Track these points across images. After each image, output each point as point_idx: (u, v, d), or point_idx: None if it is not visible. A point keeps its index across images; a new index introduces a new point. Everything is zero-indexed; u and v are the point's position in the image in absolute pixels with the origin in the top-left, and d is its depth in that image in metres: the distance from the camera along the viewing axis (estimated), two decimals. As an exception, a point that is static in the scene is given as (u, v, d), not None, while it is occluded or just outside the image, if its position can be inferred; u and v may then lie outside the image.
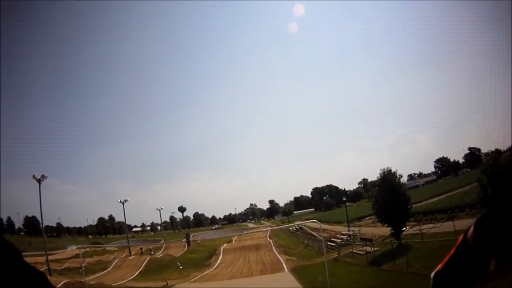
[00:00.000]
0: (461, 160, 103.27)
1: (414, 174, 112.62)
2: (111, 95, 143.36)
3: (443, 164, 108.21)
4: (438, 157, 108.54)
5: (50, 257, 74.46)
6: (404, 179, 62.31)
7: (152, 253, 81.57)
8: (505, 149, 68.02)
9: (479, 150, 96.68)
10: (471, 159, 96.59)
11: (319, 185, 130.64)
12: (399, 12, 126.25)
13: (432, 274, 1.91)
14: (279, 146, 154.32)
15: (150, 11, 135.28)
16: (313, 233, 71.41)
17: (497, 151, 67.52)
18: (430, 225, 57.38)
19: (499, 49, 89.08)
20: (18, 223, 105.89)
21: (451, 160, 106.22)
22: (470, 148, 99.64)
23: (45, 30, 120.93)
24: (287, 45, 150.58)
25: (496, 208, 1.63)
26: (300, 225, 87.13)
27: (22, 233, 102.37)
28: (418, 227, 56.61)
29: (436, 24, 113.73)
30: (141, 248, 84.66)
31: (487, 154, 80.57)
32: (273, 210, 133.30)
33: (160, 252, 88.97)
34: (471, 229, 1.68)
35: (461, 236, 1.78)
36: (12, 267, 1.65)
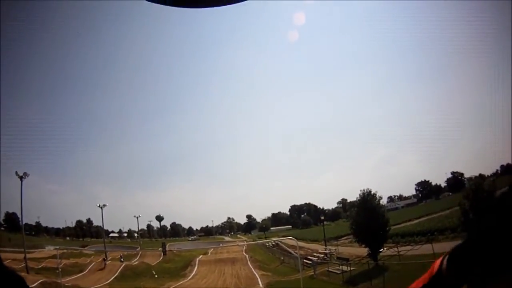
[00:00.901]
0: (443, 184, 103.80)
1: (394, 196, 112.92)
2: (98, 97, 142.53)
3: (424, 187, 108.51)
4: (419, 180, 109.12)
5: (28, 255, 73.43)
6: (383, 201, 62.63)
7: (122, 260, 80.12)
8: (489, 174, 68.31)
9: (462, 174, 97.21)
10: (454, 183, 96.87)
11: (298, 203, 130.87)
12: (389, 28, 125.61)
13: None
14: (260, 162, 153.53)
15: (147, 14, 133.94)
16: (290, 250, 71.19)
17: (481, 176, 67.84)
18: (408, 247, 57.32)
19: (490, 68, 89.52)
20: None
21: (433, 183, 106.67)
22: (453, 173, 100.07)
23: (38, 28, 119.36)
24: (275, 58, 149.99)
25: (469, 240, 1.61)
26: (276, 241, 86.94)
27: (2, 228, 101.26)
28: (396, 249, 56.56)
29: (428, 40, 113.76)
30: (121, 256, 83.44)
31: (470, 178, 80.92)
32: (251, 225, 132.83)
33: (136, 259, 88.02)
34: (445, 260, 1.66)
35: (434, 265, 1.74)
36: None
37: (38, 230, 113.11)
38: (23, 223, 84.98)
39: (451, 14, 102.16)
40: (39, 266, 72.99)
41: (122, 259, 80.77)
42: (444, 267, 1.61)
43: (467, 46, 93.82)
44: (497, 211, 1.40)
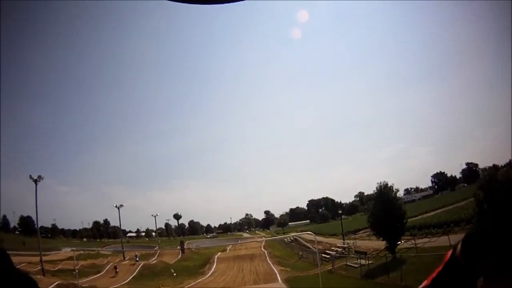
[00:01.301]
0: (458, 175, 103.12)
1: (411, 188, 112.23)
2: (109, 98, 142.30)
3: (440, 179, 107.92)
4: (435, 172, 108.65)
5: (44, 258, 73.91)
6: (400, 193, 62.16)
7: (137, 259, 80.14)
8: (502, 165, 67.99)
9: (476, 165, 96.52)
10: (469, 174, 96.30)
11: (315, 197, 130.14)
12: (401, 23, 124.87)
13: None
14: (276, 157, 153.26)
15: (152, 13, 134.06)
16: (308, 244, 71.38)
17: (495, 166, 67.56)
18: (425, 240, 57.29)
19: (499, 57, 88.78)
20: (14, 221, 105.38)
21: (448, 175, 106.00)
22: (467, 163, 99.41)
23: (43, 29, 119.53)
24: (287, 53, 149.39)
25: (484, 224, 1.67)
26: (295, 237, 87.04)
27: (17, 232, 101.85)
28: (413, 241, 56.63)
29: (433, 36, 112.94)
30: (136, 255, 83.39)
31: (484, 169, 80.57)
32: (269, 220, 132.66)
33: (154, 258, 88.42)
34: (460, 245, 1.71)
35: (449, 252, 1.79)
36: (3, 274, 1.61)
37: (54, 232, 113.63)
38: (39, 226, 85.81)
39: (458, 12, 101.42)
40: (56, 268, 73.63)
41: (137, 259, 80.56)
42: (459, 253, 1.72)
43: (476, 43, 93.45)
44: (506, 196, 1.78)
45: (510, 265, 1.58)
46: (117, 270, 71.93)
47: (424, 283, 1.88)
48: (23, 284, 1.69)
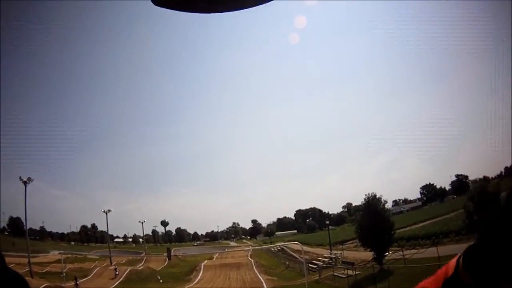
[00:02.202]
0: (447, 187, 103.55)
1: (399, 199, 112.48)
2: (102, 103, 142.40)
3: (429, 191, 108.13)
4: (424, 183, 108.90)
5: (32, 260, 74.03)
6: (388, 205, 62.44)
7: (117, 273, 77.71)
8: (493, 176, 68.18)
9: (466, 177, 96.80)
10: (458, 186, 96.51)
11: (303, 208, 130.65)
12: (386, 33, 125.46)
13: None
14: (265, 167, 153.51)
15: (154, 16, 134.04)
16: (295, 254, 71.09)
17: (485, 178, 67.70)
18: (414, 251, 57.35)
19: (492, 71, 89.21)
20: (3, 222, 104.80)
21: (438, 186, 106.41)
22: (457, 175, 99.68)
23: (43, 29, 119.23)
24: (281, 62, 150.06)
25: (484, 237, 1.53)
26: (282, 246, 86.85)
27: (6, 233, 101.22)
28: (401, 252, 56.63)
29: (427, 45, 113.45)
30: (115, 268, 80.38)
31: (474, 181, 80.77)
32: (256, 230, 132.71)
33: (141, 264, 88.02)
34: (460, 262, 1.55)
35: (447, 266, 1.62)
36: None
37: (42, 234, 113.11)
38: (27, 227, 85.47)
39: (449, 16, 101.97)
40: (43, 271, 73.36)
41: (117, 272, 76.19)
42: (461, 269, 1.53)
43: (469, 49, 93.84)
44: (505, 211, 1.37)
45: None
46: (78, 283, 70.84)
47: None
48: (15, 284, 1.68)
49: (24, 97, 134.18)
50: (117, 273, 72.47)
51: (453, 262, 1.57)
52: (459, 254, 1.54)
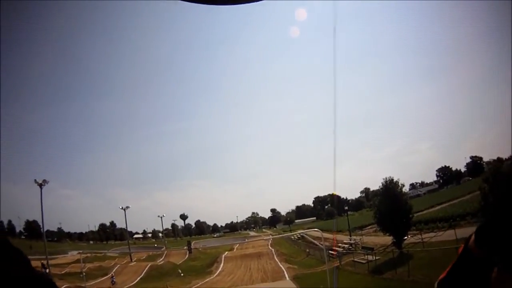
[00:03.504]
0: (463, 169, 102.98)
1: (416, 183, 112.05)
2: (112, 100, 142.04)
3: (445, 173, 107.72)
4: (440, 166, 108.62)
5: (51, 262, 73.90)
6: (406, 188, 62.17)
7: (114, 281, 75.61)
8: (507, 157, 67.85)
9: (481, 158, 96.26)
10: (473, 167, 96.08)
11: (321, 194, 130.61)
12: (401, 18, 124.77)
13: (436, 283, 1.92)
14: (281, 155, 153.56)
15: (152, 15, 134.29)
16: (315, 241, 71.22)
17: (499, 159, 67.42)
18: (432, 234, 57.20)
19: (500, 55, 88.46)
20: (19, 226, 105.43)
21: (453, 169, 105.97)
22: (472, 157, 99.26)
23: (45, 31, 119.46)
24: (288, 51, 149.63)
25: (497, 214, 1.64)
26: (301, 234, 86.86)
27: (23, 237, 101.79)
28: (419, 236, 56.56)
29: (436, 30, 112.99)
30: (113, 276, 76.95)
31: (488, 162, 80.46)
32: (275, 218, 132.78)
33: (161, 259, 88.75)
34: (473, 236, 1.68)
35: (463, 244, 1.77)
36: (21, 273, 1.64)
37: (60, 236, 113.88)
38: (45, 230, 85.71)
39: (463, 11, 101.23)
40: (63, 272, 74.04)
41: (114, 280, 71.86)
42: (472, 244, 1.68)
43: (478, 40, 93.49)
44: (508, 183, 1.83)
45: None
46: (115, 280, 70.70)
47: (441, 275, 1.90)
48: (42, 285, 1.73)
49: (33, 99, 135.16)
50: (114, 280, 71.80)
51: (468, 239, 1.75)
52: (473, 231, 1.70)
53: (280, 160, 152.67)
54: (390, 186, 54.97)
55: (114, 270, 78.12)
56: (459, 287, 1.80)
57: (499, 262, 1.61)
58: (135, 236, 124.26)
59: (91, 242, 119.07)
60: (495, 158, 73.40)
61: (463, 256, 1.74)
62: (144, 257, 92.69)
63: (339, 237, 79.42)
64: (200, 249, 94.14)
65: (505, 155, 71.71)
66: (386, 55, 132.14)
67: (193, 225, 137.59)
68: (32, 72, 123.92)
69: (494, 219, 1.63)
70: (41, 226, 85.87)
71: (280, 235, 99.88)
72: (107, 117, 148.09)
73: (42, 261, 68.83)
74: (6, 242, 1.57)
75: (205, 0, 2.08)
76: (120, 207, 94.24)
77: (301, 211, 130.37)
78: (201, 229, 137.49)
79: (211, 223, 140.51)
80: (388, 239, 57.06)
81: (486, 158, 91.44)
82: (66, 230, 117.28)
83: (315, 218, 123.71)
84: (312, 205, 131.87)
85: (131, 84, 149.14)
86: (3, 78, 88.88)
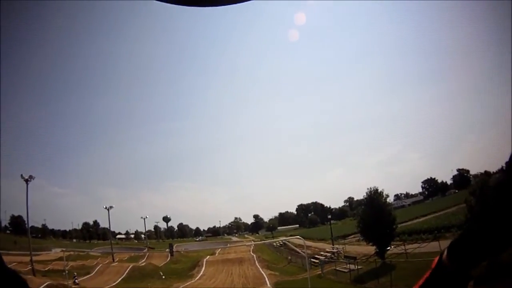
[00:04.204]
0: (449, 181, 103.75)
1: (401, 194, 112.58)
2: (102, 100, 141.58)
3: (430, 185, 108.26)
4: (426, 178, 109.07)
5: (34, 258, 73.76)
6: (390, 199, 62.69)
7: (76, 281, 73.07)
8: (494, 171, 68.18)
9: (468, 171, 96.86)
10: (460, 180, 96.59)
11: (305, 202, 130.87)
12: (391, 26, 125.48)
13: None
14: (266, 162, 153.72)
15: (149, 14, 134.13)
16: (297, 249, 71.20)
17: (486, 173, 67.76)
18: (416, 245, 57.42)
19: (492, 67, 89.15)
20: (5, 221, 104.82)
21: (439, 181, 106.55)
22: (458, 170, 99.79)
23: (39, 30, 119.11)
24: (281, 57, 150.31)
25: (470, 229, 1.70)
26: (284, 241, 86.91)
27: (8, 232, 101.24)
28: (403, 247, 56.74)
29: (425, 41, 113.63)
30: (74, 275, 75.20)
31: (476, 176, 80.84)
32: (258, 224, 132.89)
33: (143, 260, 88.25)
34: (446, 251, 1.71)
35: (437, 258, 1.77)
36: None
37: (44, 232, 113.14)
38: (29, 225, 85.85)
39: (452, 15, 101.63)
40: (46, 269, 73.41)
41: (76, 280, 67.35)
42: (445, 259, 1.69)
43: (469, 46, 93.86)
44: (494, 199, 1.52)
45: (501, 270, 1.64)
46: (77, 281, 69.35)
47: None
48: (14, 284, 1.66)
49: (24, 96, 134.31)
50: (76, 281, 70.27)
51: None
52: (445, 247, 1.69)
53: (265, 165, 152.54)
54: (375, 196, 55.39)
55: (96, 270, 77.57)
56: None
57: (474, 276, 1.65)
58: (118, 236, 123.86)
59: (75, 240, 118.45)
60: (482, 171, 73.84)
61: (436, 270, 1.75)
62: (126, 258, 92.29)
63: (322, 245, 79.60)
64: (182, 252, 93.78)
65: (492, 169, 72.07)
66: (375, 62, 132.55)
67: (176, 228, 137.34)
68: (24, 71, 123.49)
69: (468, 233, 1.69)
70: (26, 222, 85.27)
71: (262, 241, 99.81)
72: (97, 116, 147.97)
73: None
74: None
75: (196, 2, 2.05)
76: (104, 206, 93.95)
77: (284, 218, 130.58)
78: (184, 232, 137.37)
79: (193, 227, 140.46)
80: (371, 249, 57.24)
81: (473, 171, 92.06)
82: (50, 227, 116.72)
83: (298, 225, 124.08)
84: (296, 212, 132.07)
85: (122, 83, 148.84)
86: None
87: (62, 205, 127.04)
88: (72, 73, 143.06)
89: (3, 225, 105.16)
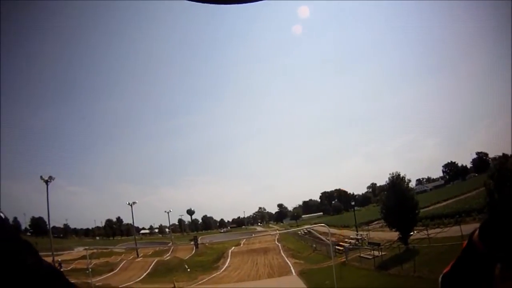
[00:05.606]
0: (469, 165, 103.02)
1: (423, 178, 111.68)
2: (116, 97, 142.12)
3: (451, 169, 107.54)
4: (446, 162, 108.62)
5: (57, 258, 74.08)
6: (412, 184, 62.43)
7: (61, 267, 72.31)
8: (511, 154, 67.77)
9: (486, 154, 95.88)
10: (479, 164, 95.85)
11: (328, 190, 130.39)
12: (401, 15, 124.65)
13: (440, 276, 2.00)
14: (288, 150, 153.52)
15: (153, 12, 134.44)
16: (321, 237, 71.45)
17: (504, 155, 67.33)
18: (438, 230, 57.36)
19: (503, 49, 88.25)
20: (25, 223, 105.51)
21: (459, 165, 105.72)
22: (477, 153, 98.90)
23: (47, 30, 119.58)
24: (292, 47, 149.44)
25: (501, 210, 1.70)
26: (308, 229, 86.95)
27: (28, 234, 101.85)
28: (425, 232, 56.67)
29: (439, 26, 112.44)
30: (59, 261, 75.98)
31: (494, 159, 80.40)
32: (282, 213, 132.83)
33: (168, 254, 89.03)
34: (477, 231, 1.74)
35: (468, 239, 1.83)
36: (30, 265, 1.70)
37: (66, 232, 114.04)
38: (51, 226, 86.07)
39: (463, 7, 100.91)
40: (69, 268, 73.40)
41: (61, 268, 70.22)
42: (476, 239, 1.72)
43: (484, 30, 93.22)
44: None
45: None
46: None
47: (445, 269, 1.96)
48: (51, 275, 1.79)
49: (38, 97, 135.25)
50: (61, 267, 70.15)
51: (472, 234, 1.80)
52: (477, 226, 1.75)
53: (287, 155, 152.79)
54: (397, 182, 55.28)
55: (120, 266, 78.67)
56: (462, 281, 1.89)
57: (502, 258, 1.70)
58: (142, 231, 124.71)
59: (98, 238, 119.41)
60: (500, 154, 73.45)
61: (467, 250, 1.81)
62: (150, 253, 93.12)
63: (346, 232, 79.64)
64: (206, 244, 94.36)
65: (510, 151, 71.80)
66: (389, 51, 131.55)
67: (200, 221, 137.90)
68: (37, 70, 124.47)
69: (499, 214, 1.70)
70: (47, 223, 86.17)
71: (287, 230, 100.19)
72: (112, 115, 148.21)
73: (58, 258, 69.16)
74: (16, 235, 1.77)
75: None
76: (127, 202, 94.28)
77: (308, 206, 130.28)
78: (208, 224, 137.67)
79: (218, 218, 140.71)
80: (394, 235, 57.14)
81: (491, 154, 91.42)
82: (72, 226, 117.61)
83: (322, 213, 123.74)
84: (319, 200, 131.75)
85: (136, 81, 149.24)
86: (8, 78, 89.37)
87: (83, 204, 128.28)
88: (84, 72, 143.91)
89: (23, 227, 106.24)
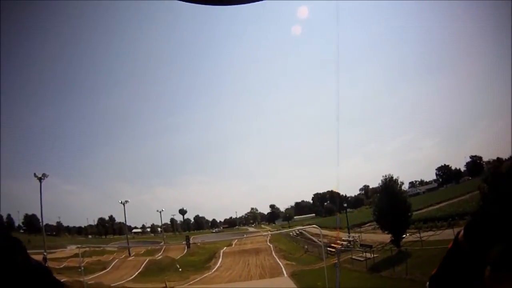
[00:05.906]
0: (462, 168, 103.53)
1: (416, 181, 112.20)
2: (112, 96, 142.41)
3: (444, 172, 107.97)
4: (439, 165, 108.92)
5: (49, 256, 73.31)
6: (405, 186, 62.64)
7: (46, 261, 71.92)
8: (506, 158, 67.97)
9: (480, 158, 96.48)
10: (473, 167, 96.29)
11: (320, 191, 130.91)
12: (401, 15, 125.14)
13: (429, 278, 1.95)
14: (281, 151, 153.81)
15: (152, 12, 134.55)
16: (313, 238, 71.37)
17: (499, 159, 67.49)
18: (430, 233, 57.29)
19: (503, 53, 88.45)
20: (18, 220, 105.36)
21: (453, 168, 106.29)
22: (471, 157, 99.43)
23: (47, 30, 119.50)
24: (288, 48, 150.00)
25: (486, 210, 1.69)
26: (300, 230, 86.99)
27: (21, 231, 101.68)
28: (418, 235, 56.59)
29: (439, 26, 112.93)
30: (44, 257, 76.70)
31: (488, 162, 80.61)
32: (274, 214, 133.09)
33: (160, 254, 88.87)
34: (462, 231, 1.72)
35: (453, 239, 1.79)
36: (18, 263, 1.72)
37: (59, 230, 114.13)
38: (43, 224, 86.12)
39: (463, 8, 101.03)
40: (61, 266, 73.26)
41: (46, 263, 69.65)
42: (462, 239, 1.73)
43: (481, 32, 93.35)
44: (507, 181, 1.76)
45: None
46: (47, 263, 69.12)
47: (434, 271, 1.93)
48: (39, 273, 1.83)
49: (34, 95, 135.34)
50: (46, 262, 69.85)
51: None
52: (461, 228, 1.76)
53: (280, 156, 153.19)
54: (390, 184, 55.39)
55: (112, 265, 78.26)
56: (449, 283, 1.85)
57: (490, 260, 1.64)
58: (134, 230, 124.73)
59: (90, 236, 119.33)
60: (495, 158, 73.60)
61: (453, 251, 1.79)
62: (142, 252, 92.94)
63: (338, 234, 79.59)
64: (198, 244, 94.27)
65: (505, 155, 71.92)
66: (388, 51, 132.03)
67: (192, 220, 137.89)
68: (34, 70, 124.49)
69: (483, 215, 1.69)
70: (40, 220, 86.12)
71: (279, 231, 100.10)
72: (109, 115, 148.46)
73: (44, 253, 68.83)
74: (7, 232, 1.71)
75: (203, 0, 2.07)
76: (120, 201, 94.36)
77: (300, 208, 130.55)
78: (200, 224, 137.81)
79: (210, 218, 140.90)
80: (386, 237, 57.08)
81: (486, 158, 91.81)
82: (65, 224, 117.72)
83: (314, 214, 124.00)
84: (312, 201, 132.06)
85: (131, 80, 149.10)
86: (8, 78, 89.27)
87: (77, 202, 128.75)
88: (79, 71, 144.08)
89: (16, 224, 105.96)
